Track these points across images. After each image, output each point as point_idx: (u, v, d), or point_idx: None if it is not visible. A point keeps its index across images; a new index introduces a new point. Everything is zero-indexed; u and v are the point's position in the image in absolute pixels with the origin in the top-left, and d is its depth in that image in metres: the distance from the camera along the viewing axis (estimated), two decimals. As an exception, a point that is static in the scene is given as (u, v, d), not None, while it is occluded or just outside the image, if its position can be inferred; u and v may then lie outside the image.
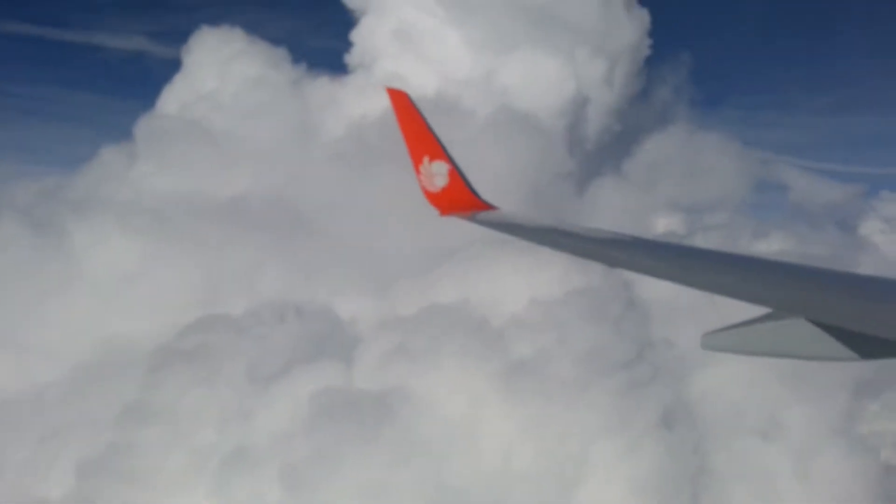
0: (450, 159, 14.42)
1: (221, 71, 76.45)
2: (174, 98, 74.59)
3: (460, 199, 14.21)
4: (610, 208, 69.74)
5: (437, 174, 14.24)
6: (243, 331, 42.85)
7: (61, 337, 48.94)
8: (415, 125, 14.40)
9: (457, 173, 14.40)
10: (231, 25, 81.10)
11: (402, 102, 14.50)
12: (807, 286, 6.86)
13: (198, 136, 65.32)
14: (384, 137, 65.12)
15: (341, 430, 34.88)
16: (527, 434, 36.48)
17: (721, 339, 5.77)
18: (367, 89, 76.58)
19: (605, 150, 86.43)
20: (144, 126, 69.17)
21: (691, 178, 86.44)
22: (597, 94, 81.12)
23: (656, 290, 50.01)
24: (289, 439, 35.45)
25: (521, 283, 42.97)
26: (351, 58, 78.48)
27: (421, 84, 73.84)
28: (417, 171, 14.41)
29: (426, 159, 14.28)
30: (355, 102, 74.01)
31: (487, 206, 14.27)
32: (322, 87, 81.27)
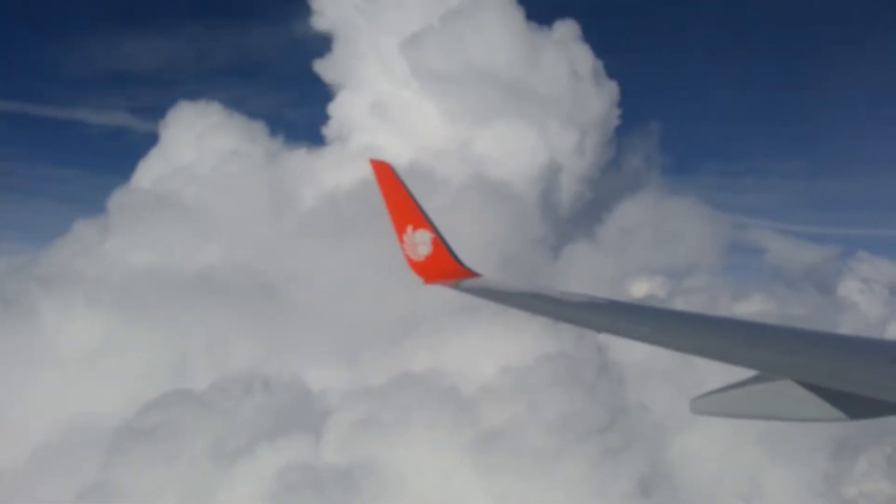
0: (433, 228, 14.60)
1: (197, 144, 76.71)
2: (149, 172, 74.51)
3: (444, 267, 14.35)
4: (586, 274, 69.59)
5: (421, 243, 14.42)
6: (208, 406, 41.38)
7: (24, 416, 47.22)
8: (398, 195, 14.58)
9: (440, 242, 14.56)
10: (212, 100, 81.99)
11: (386, 173, 14.68)
12: (792, 348, 6.86)
13: (170, 210, 64.91)
14: (356, 208, 65.53)
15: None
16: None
17: (710, 403, 5.84)
18: (342, 161, 77.25)
19: (580, 216, 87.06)
20: (118, 200, 68.87)
21: (665, 243, 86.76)
22: (569, 162, 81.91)
23: (630, 355, 49.40)
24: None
25: (493, 350, 42.10)
26: (328, 130, 79.45)
27: (397, 154, 74.63)
28: (401, 240, 14.56)
29: (409, 228, 14.47)
30: (330, 173, 74.42)
31: (471, 274, 14.39)
32: (298, 158, 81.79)
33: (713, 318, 9.32)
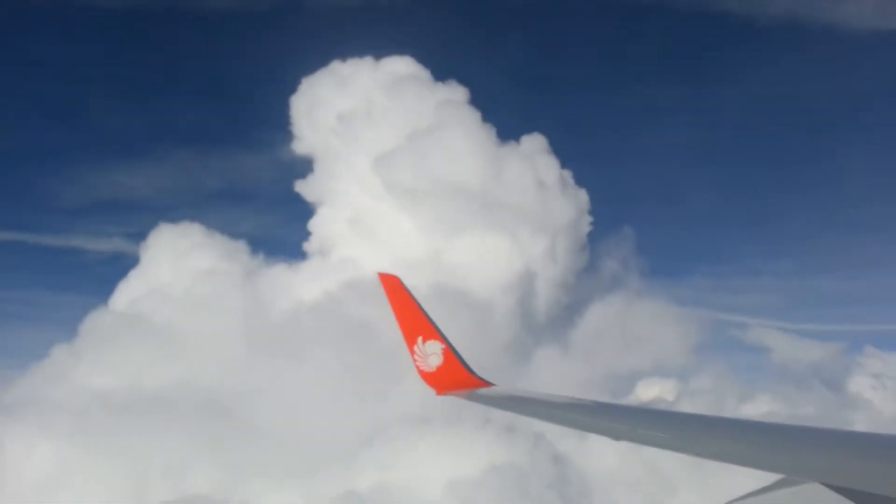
0: (443, 338, 14.37)
1: (176, 265, 76.41)
2: (127, 293, 73.78)
3: (456, 378, 14.05)
4: (559, 377, 67.08)
5: (432, 354, 14.16)
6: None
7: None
8: (407, 307, 14.49)
9: (451, 352, 14.27)
10: (201, 222, 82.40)
11: (394, 286, 14.69)
12: (817, 449, 6.59)
13: (140, 331, 63.62)
14: (327, 321, 64.27)
15: None
16: None
17: None
18: (319, 274, 76.90)
19: (556, 320, 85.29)
20: (90, 323, 67.71)
21: (645, 344, 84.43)
22: (541, 268, 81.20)
23: (595, 463, 46.56)
24: None
25: (444, 464, 39.45)
26: (309, 246, 79.75)
27: (374, 266, 74.01)
28: (412, 352, 14.26)
29: (420, 340, 14.24)
30: (307, 287, 73.84)
31: (483, 383, 14.11)
32: (276, 274, 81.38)
33: (733, 420, 9.14)
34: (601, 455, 47.23)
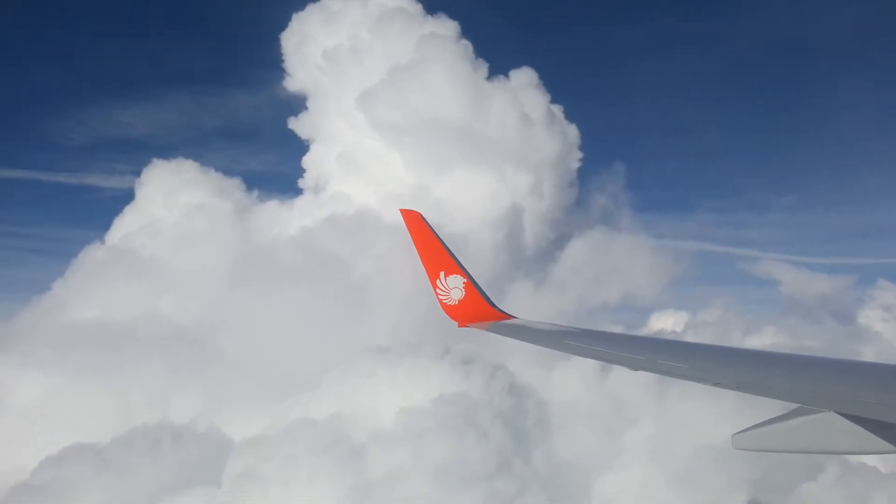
0: (465, 273, 14.42)
1: (168, 201, 75.85)
2: (121, 229, 73.57)
3: (477, 311, 14.18)
4: (537, 310, 66.30)
5: (454, 288, 14.26)
6: (110, 460, 38.79)
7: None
8: (429, 243, 14.47)
9: (472, 286, 14.37)
10: (199, 160, 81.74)
11: (416, 222, 14.61)
12: (833, 379, 6.60)
13: (130, 265, 63.54)
14: (316, 253, 63.85)
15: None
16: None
17: (752, 439, 5.59)
18: (310, 209, 76.23)
19: (551, 256, 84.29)
20: (83, 258, 67.74)
21: (630, 278, 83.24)
22: (528, 203, 79.84)
23: (558, 395, 46.23)
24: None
25: (402, 393, 39.20)
26: (304, 181, 78.43)
27: (365, 202, 73.28)
28: (434, 286, 14.36)
29: (442, 274, 14.32)
30: (297, 222, 73.23)
31: (504, 316, 14.24)
32: (269, 210, 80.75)
33: (750, 351, 9.06)
34: (564, 387, 47.01)
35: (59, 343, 53.99)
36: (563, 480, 38.75)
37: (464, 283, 14.33)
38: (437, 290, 14.35)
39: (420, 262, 14.48)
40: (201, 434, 42.27)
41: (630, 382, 46.25)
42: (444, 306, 14.32)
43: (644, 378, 46.86)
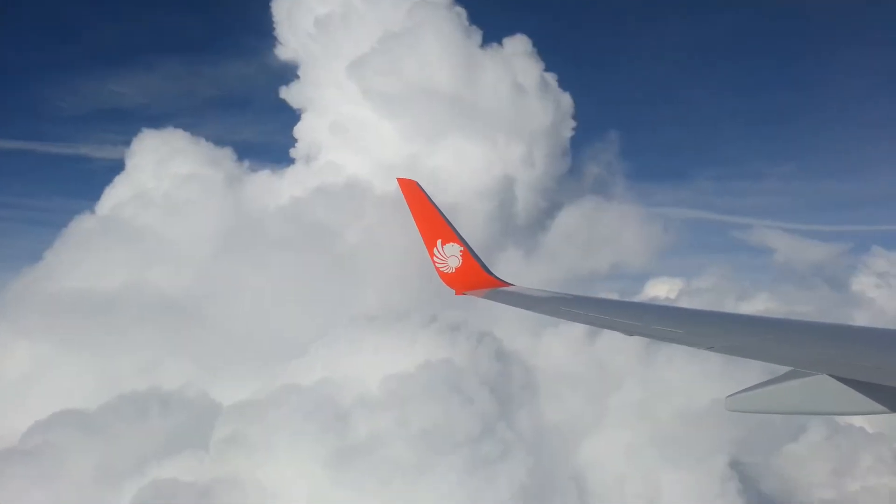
0: (462, 241, 14.43)
1: (158, 171, 75.35)
2: (112, 198, 73.19)
3: (474, 278, 14.27)
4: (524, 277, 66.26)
5: (451, 256, 14.28)
6: (98, 426, 39.05)
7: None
8: (426, 211, 14.47)
9: (469, 254, 14.41)
10: (191, 130, 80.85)
11: (413, 190, 14.60)
12: (826, 342, 6.71)
13: (120, 235, 63.32)
14: (293, 226, 63.69)
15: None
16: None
17: (745, 401, 5.67)
18: (301, 179, 75.85)
19: (542, 225, 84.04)
20: (73, 228, 67.52)
21: (620, 247, 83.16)
22: (521, 172, 79.43)
23: (544, 361, 46.43)
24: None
25: (390, 361, 39.32)
26: (295, 152, 77.90)
27: (356, 172, 72.92)
28: (431, 254, 14.36)
29: (439, 242, 14.32)
30: (289, 193, 72.90)
31: (501, 283, 14.32)
32: (260, 180, 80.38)
33: (744, 316, 9.21)
34: (551, 353, 47.23)
35: (49, 312, 54.03)
36: (548, 443, 39.14)
37: (461, 251, 14.35)
38: (435, 259, 14.36)
39: (416, 230, 14.48)
40: (190, 400, 42.55)
41: (616, 348, 46.57)
42: (442, 274, 14.36)
43: (630, 344, 47.27)
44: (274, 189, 75.44)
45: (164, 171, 74.31)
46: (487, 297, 13.41)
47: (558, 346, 47.73)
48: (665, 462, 38.53)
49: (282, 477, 33.41)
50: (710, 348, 6.80)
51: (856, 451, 73.26)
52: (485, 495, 33.67)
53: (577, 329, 47.53)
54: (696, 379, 43.55)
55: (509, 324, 46.56)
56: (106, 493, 34.96)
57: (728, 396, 5.60)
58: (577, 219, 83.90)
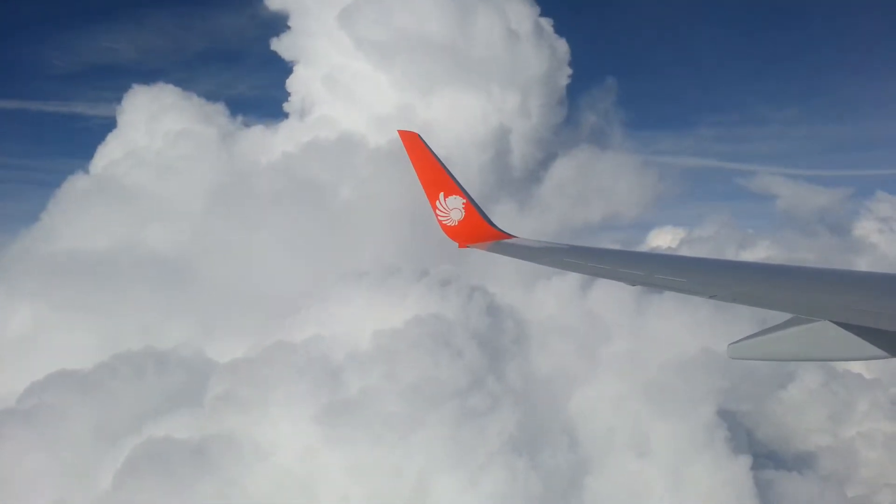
0: (464, 193, 14.33)
1: (150, 128, 74.57)
2: (105, 157, 72.69)
3: (477, 231, 14.19)
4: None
5: (454, 208, 14.20)
6: (95, 385, 39.46)
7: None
8: (428, 163, 14.30)
9: (472, 206, 14.30)
10: (185, 85, 79.52)
11: (414, 143, 14.38)
12: (827, 289, 6.70)
13: (112, 194, 63.01)
14: (298, 177, 63.26)
15: (158, 486, 31.22)
16: (368, 473, 32.67)
17: (748, 348, 5.67)
18: (295, 134, 75.03)
19: (538, 175, 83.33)
20: (66, 187, 67.24)
21: (617, 196, 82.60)
22: (517, 123, 78.43)
23: (535, 315, 46.54)
24: (106, 500, 31.80)
25: (380, 316, 39.43)
26: (289, 105, 77.16)
27: (350, 125, 72.08)
28: (434, 207, 14.24)
29: (441, 195, 14.21)
30: (282, 148, 72.19)
31: (504, 235, 14.29)
32: (254, 135, 79.60)
33: (746, 264, 9.21)
34: (543, 307, 47.34)
35: (44, 273, 54.23)
36: (539, 395, 39.48)
37: (463, 203, 14.23)
38: (437, 212, 14.24)
39: (413, 184, 14.37)
40: (186, 358, 42.89)
41: (609, 300, 46.72)
42: (444, 227, 14.27)
43: (623, 296, 47.34)
44: (267, 144, 74.79)
45: (157, 129, 73.60)
46: (490, 249, 13.37)
47: (551, 300, 47.82)
48: (654, 412, 38.95)
49: (275, 433, 33.86)
50: (713, 297, 6.79)
51: (853, 397, 74.02)
52: (476, 447, 34.10)
53: (570, 282, 47.68)
54: (687, 329, 43.81)
55: (502, 278, 46.60)
56: (104, 452, 35.49)
57: (730, 344, 5.60)
58: (575, 169, 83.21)
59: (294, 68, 78.04)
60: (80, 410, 37.15)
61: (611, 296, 45.67)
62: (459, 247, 14.22)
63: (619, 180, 79.64)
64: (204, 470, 31.97)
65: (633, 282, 8.51)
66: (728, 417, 40.59)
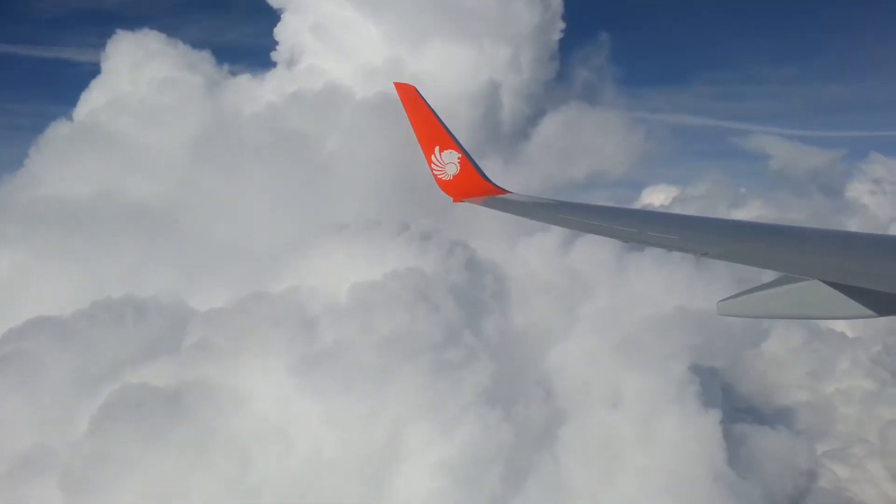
0: (460, 148, 14.25)
1: (135, 75, 73.40)
2: (89, 104, 71.67)
3: (472, 186, 14.13)
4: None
5: (449, 163, 14.11)
6: (73, 332, 39.53)
7: None
8: (424, 117, 14.20)
9: (467, 161, 14.22)
10: (176, 32, 78.08)
11: (410, 96, 14.28)
12: (817, 248, 6.75)
13: (96, 142, 62.27)
14: (286, 128, 62.61)
15: (134, 431, 31.58)
16: (343, 423, 33.05)
17: (737, 305, 5.67)
18: (282, 84, 74.04)
19: (527, 132, 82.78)
20: (49, 134, 66.43)
21: (607, 154, 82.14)
22: (507, 78, 77.44)
23: (514, 270, 46.62)
24: (81, 444, 32.17)
25: (358, 269, 39.40)
26: (277, 54, 76.05)
27: (339, 76, 71.04)
28: (429, 161, 14.15)
29: (437, 149, 14.12)
30: (269, 98, 71.40)
31: (499, 190, 14.20)
32: (240, 84, 78.53)
33: (738, 222, 9.28)
34: (524, 263, 47.40)
35: (24, 220, 53.90)
36: (515, 350, 39.78)
37: (458, 157, 14.12)
38: (432, 166, 14.12)
39: (403, 137, 14.50)
40: (166, 307, 42.88)
41: (590, 257, 46.81)
42: (439, 181, 14.17)
43: (604, 252, 47.44)
44: (254, 94, 73.91)
45: (141, 76, 72.46)
46: (485, 204, 13.27)
47: (533, 256, 47.82)
48: (629, 367, 39.39)
49: (251, 381, 34.10)
50: (705, 254, 6.82)
51: (834, 354, 75.07)
52: (450, 399, 34.47)
53: (553, 238, 47.67)
54: (667, 287, 44.06)
55: (485, 233, 46.53)
56: (82, 398, 35.72)
57: (720, 301, 5.61)
58: (565, 126, 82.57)
59: (282, 16, 76.66)
60: (57, 357, 37.27)
61: (593, 253, 45.84)
62: (454, 201, 14.13)
63: (608, 137, 79.07)
64: (179, 416, 32.29)
65: (625, 238, 8.59)
66: (701, 373, 41.14)
